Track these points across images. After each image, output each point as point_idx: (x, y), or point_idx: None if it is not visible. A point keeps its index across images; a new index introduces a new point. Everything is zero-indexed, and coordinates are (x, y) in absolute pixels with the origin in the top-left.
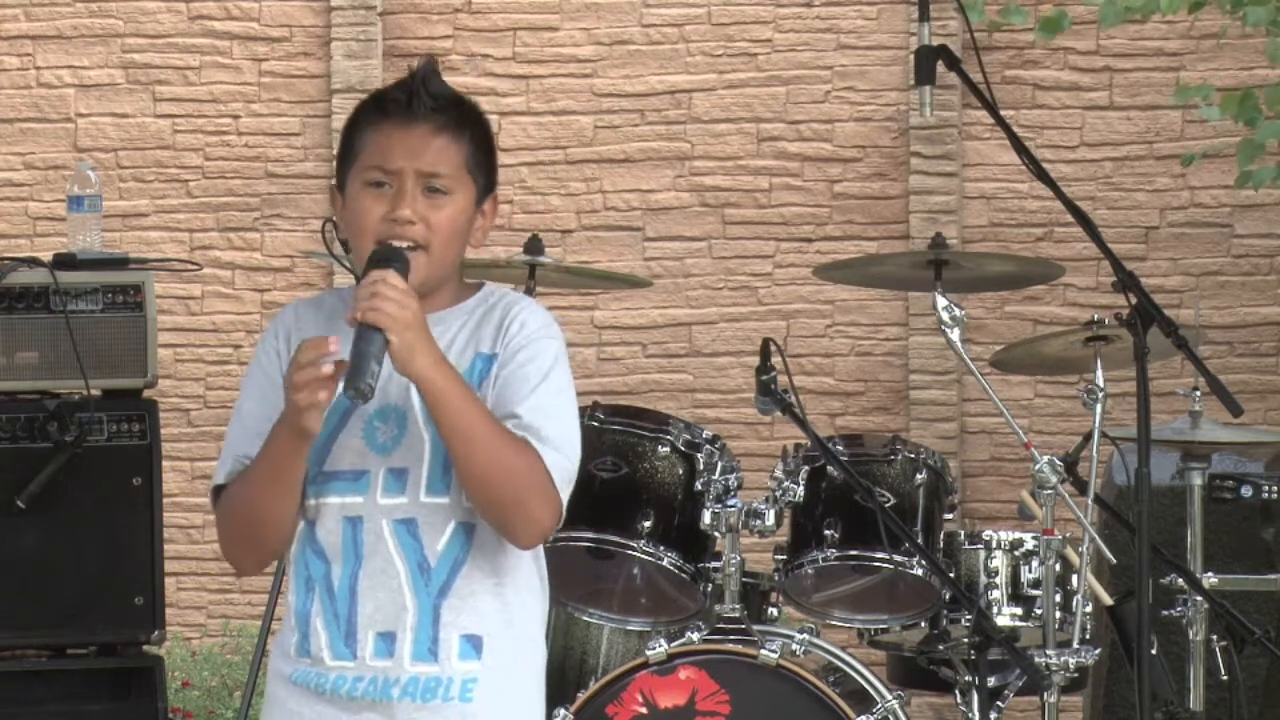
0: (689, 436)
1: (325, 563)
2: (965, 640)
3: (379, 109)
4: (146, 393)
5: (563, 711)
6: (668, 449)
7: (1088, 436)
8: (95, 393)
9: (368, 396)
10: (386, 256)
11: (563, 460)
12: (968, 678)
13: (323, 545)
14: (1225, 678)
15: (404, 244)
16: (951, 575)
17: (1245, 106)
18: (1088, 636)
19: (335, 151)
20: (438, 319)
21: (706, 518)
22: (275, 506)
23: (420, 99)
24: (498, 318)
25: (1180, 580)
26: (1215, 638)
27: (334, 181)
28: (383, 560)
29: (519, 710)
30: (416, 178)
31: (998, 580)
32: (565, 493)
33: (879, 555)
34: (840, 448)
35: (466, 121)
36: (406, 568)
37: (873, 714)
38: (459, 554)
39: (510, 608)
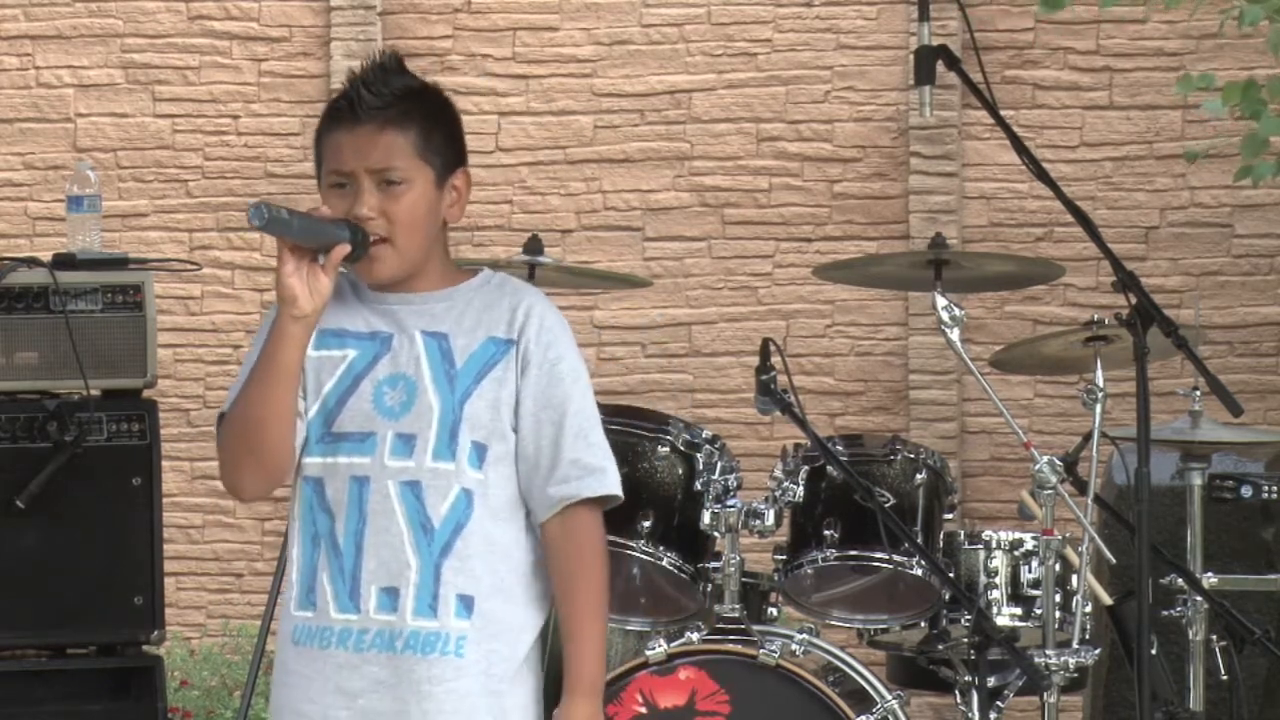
0: (689, 436)
1: (331, 519)
2: (965, 640)
3: (330, 116)
4: (146, 393)
5: None
6: (667, 449)
7: (1088, 436)
8: (95, 393)
9: (264, 217)
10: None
11: (609, 471)
12: (968, 678)
13: (330, 502)
14: (1225, 678)
15: (370, 239)
16: (951, 575)
17: (1248, 97)
18: (1088, 636)
19: None
20: (443, 296)
21: (706, 518)
22: (272, 403)
23: (360, 101)
24: (507, 303)
25: (1180, 580)
26: (1215, 638)
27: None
28: (386, 519)
29: (505, 668)
30: (369, 175)
31: (997, 580)
32: (618, 486)
33: (879, 555)
34: (840, 448)
35: (412, 112)
36: (410, 528)
37: (873, 714)
38: (461, 518)
39: (499, 573)
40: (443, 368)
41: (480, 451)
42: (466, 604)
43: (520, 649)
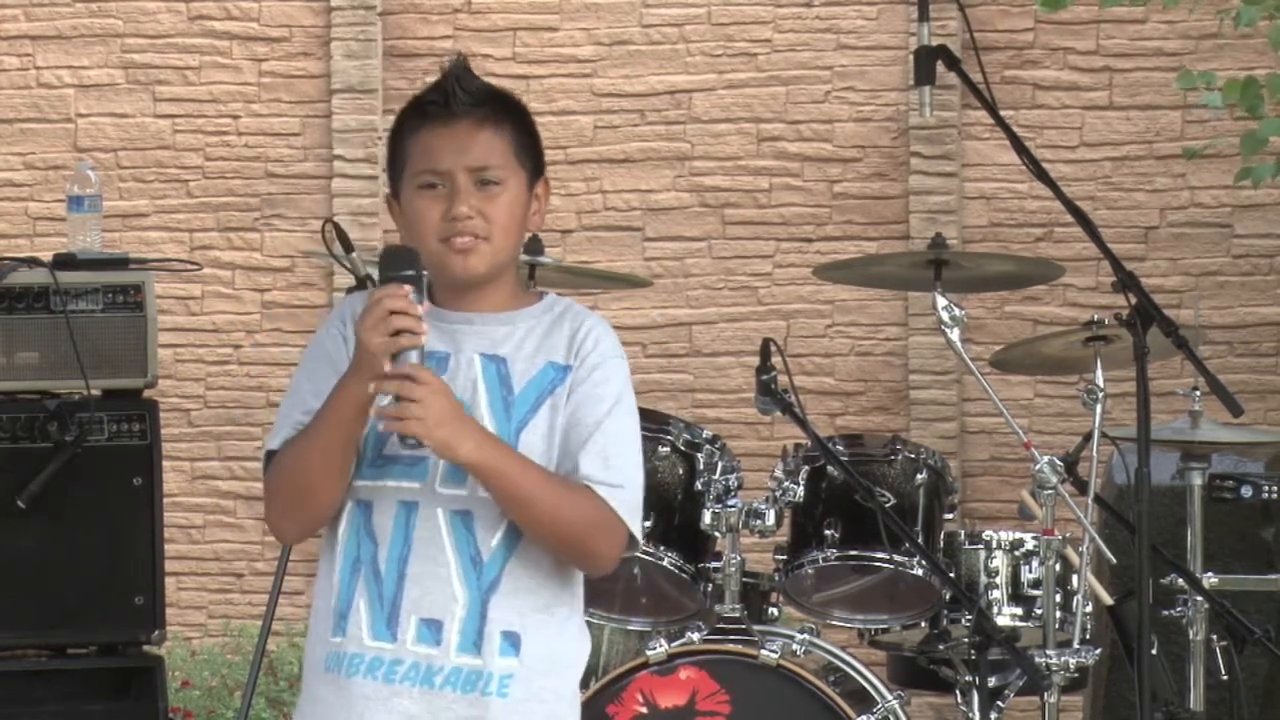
0: (689, 436)
1: (374, 544)
2: (965, 640)
3: (419, 114)
4: (146, 393)
5: None
6: (668, 449)
7: (1088, 436)
8: (95, 393)
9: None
10: (393, 267)
11: (626, 494)
12: (968, 678)
13: (375, 527)
14: (1225, 678)
15: (465, 239)
16: (951, 575)
17: (1248, 94)
18: (1088, 636)
19: (385, 159)
20: (505, 319)
21: (706, 518)
22: (330, 466)
23: (456, 96)
24: (568, 328)
25: (1180, 580)
26: (1215, 638)
27: (387, 192)
28: (435, 549)
29: (552, 709)
30: (467, 174)
31: (998, 580)
32: (635, 521)
33: (879, 555)
34: (840, 448)
35: (506, 111)
36: (459, 559)
37: (873, 714)
38: (509, 551)
39: (550, 608)
40: (500, 393)
41: None
42: (513, 642)
43: (570, 684)
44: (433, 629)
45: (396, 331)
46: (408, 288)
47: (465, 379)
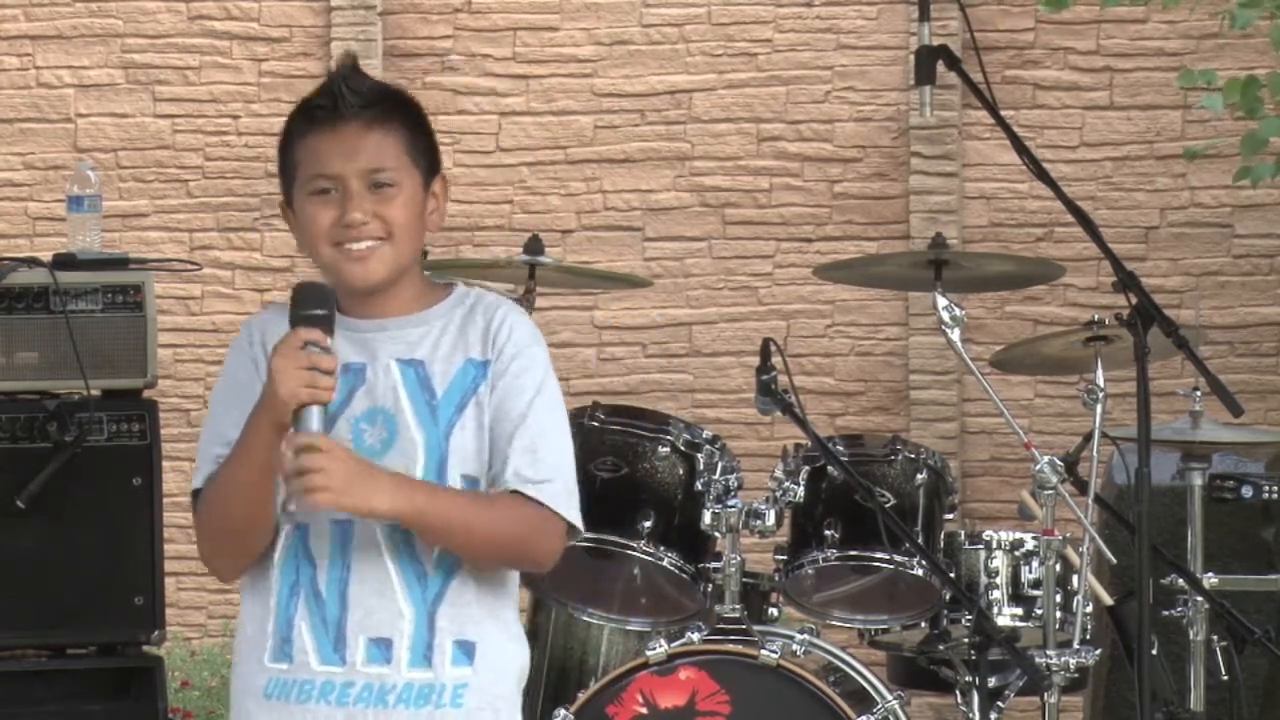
0: (689, 436)
1: (312, 566)
2: (965, 640)
3: (306, 118)
4: (146, 393)
5: (563, 712)
6: (668, 449)
7: (1088, 436)
8: (95, 393)
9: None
10: (307, 304)
11: (556, 487)
12: (968, 678)
13: (311, 549)
14: (1225, 678)
15: (362, 245)
16: (952, 575)
17: (1247, 95)
18: (1088, 636)
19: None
20: (418, 320)
21: (706, 518)
22: (252, 501)
23: (344, 99)
24: (482, 322)
25: (1180, 580)
26: (1215, 638)
27: (281, 200)
28: (374, 567)
29: (505, 714)
30: (359, 177)
31: (998, 580)
32: (571, 510)
33: (879, 555)
34: (840, 448)
35: (396, 110)
36: (401, 574)
37: (873, 714)
38: (453, 560)
39: (497, 611)
40: (423, 398)
41: (472, 485)
42: (467, 650)
43: (516, 689)
44: (382, 647)
45: (310, 385)
46: (329, 341)
47: (385, 387)
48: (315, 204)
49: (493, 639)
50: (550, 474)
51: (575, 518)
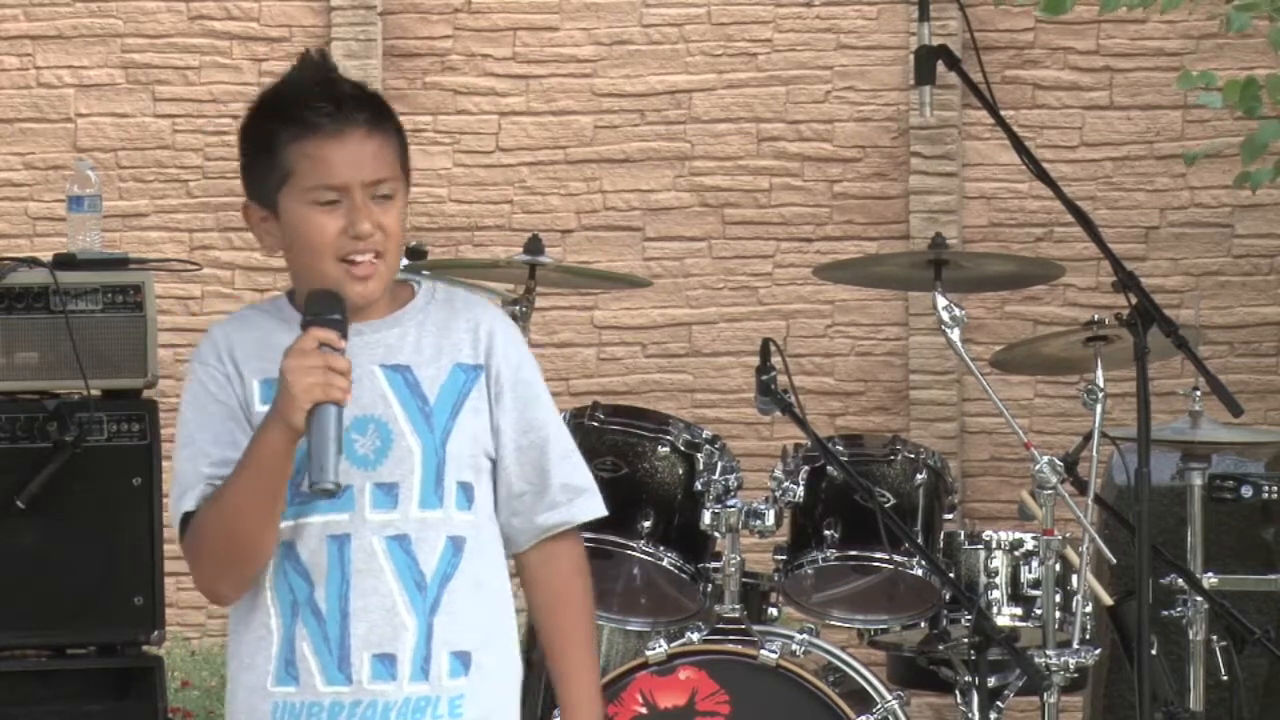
0: (689, 436)
1: (309, 584)
2: (965, 640)
3: (300, 121)
4: (146, 393)
5: None
6: (668, 449)
7: (1088, 436)
8: (95, 393)
9: (334, 493)
10: (321, 308)
11: (596, 501)
12: (968, 678)
13: (306, 565)
14: (1225, 678)
15: (366, 256)
16: (951, 575)
17: (1246, 96)
18: (1088, 637)
19: (241, 161)
20: (391, 321)
21: (706, 518)
22: (263, 517)
23: (347, 104)
24: (464, 324)
25: (1180, 580)
26: (1215, 638)
27: (249, 200)
28: (374, 579)
29: (504, 716)
30: (365, 188)
31: (998, 580)
32: (601, 507)
33: (879, 555)
34: (840, 448)
35: (387, 116)
36: (402, 585)
37: (873, 714)
38: (448, 568)
39: (492, 620)
40: (415, 404)
41: (468, 492)
42: (463, 660)
43: (516, 691)
44: (387, 664)
45: (326, 384)
46: (344, 344)
47: (372, 394)
48: (320, 214)
49: (489, 648)
50: (586, 478)
51: (601, 509)
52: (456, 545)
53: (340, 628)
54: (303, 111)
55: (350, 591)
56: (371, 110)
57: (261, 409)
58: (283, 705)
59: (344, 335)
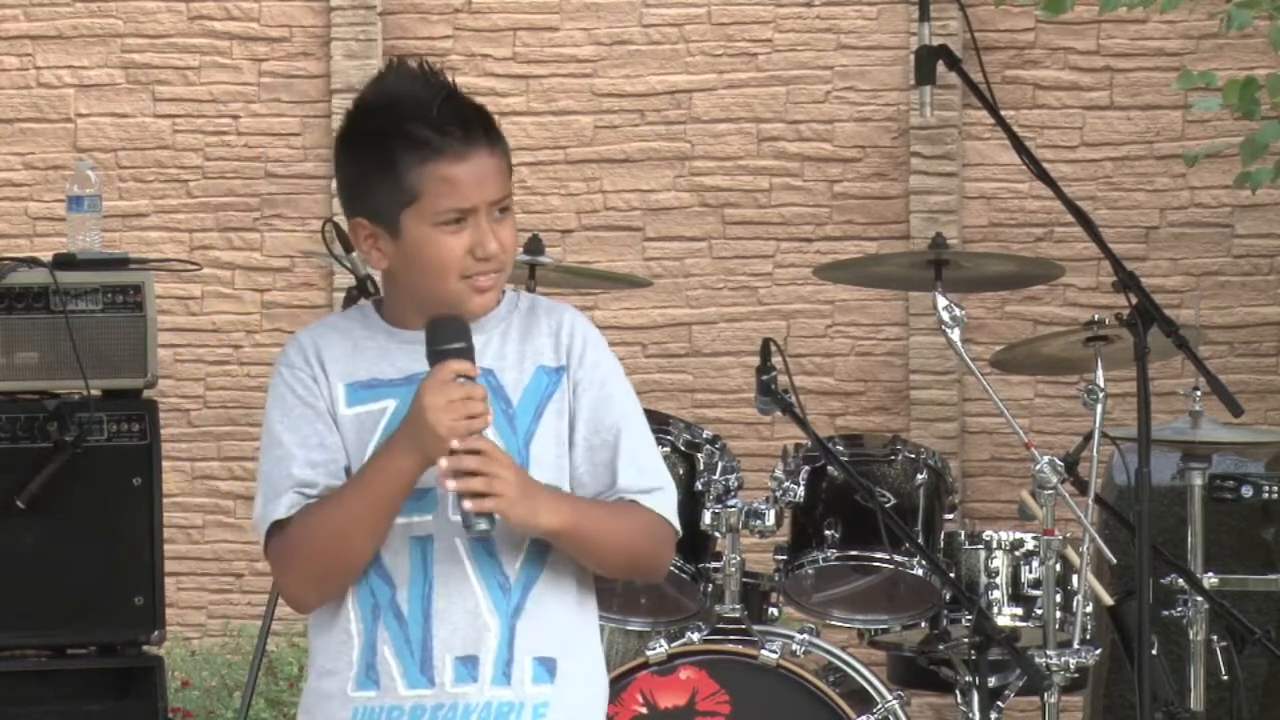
0: (689, 436)
1: (391, 587)
2: (965, 640)
3: (425, 144)
4: (146, 393)
5: None
6: (668, 449)
7: (1088, 436)
8: (95, 393)
9: (489, 533)
10: (446, 336)
11: (667, 495)
12: (968, 678)
13: (388, 568)
14: (1225, 678)
15: (490, 276)
16: (952, 575)
17: (1245, 96)
18: (1088, 636)
19: (353, 179)
20: (477, 328)
21: (707, 518)
22: (374, 538)
23: (473, 124)
24: (546, 327)
25: (1180, 580)
26: (1215, 638)
27: (359, 217)
28: (458, 581)
29: None
30: (490, 207)
31: (998, 580)
32: (675, 516)
33: (879, 555)
34: (840, 448)
35: (496, 127)
36: (485, 587)
37: (873, 714)
38: (534, 571)
39: (579, 627)
40: (499, 406)
41: None
42: (548, 667)
43: (603, 705)
44: (469, 666)
45: (469, 416)
46: (477, 371)
47: None
48: (447, 235)
49: (574, 656)
50: (657, 481)
51: (678, 525)
52: (543, 548)
53: (423, 630)
54: (429, 132)
55: (433, 593)
56: (488, 126)
57: (347, 412)
58: (363, 710)
59: (473, 361)
